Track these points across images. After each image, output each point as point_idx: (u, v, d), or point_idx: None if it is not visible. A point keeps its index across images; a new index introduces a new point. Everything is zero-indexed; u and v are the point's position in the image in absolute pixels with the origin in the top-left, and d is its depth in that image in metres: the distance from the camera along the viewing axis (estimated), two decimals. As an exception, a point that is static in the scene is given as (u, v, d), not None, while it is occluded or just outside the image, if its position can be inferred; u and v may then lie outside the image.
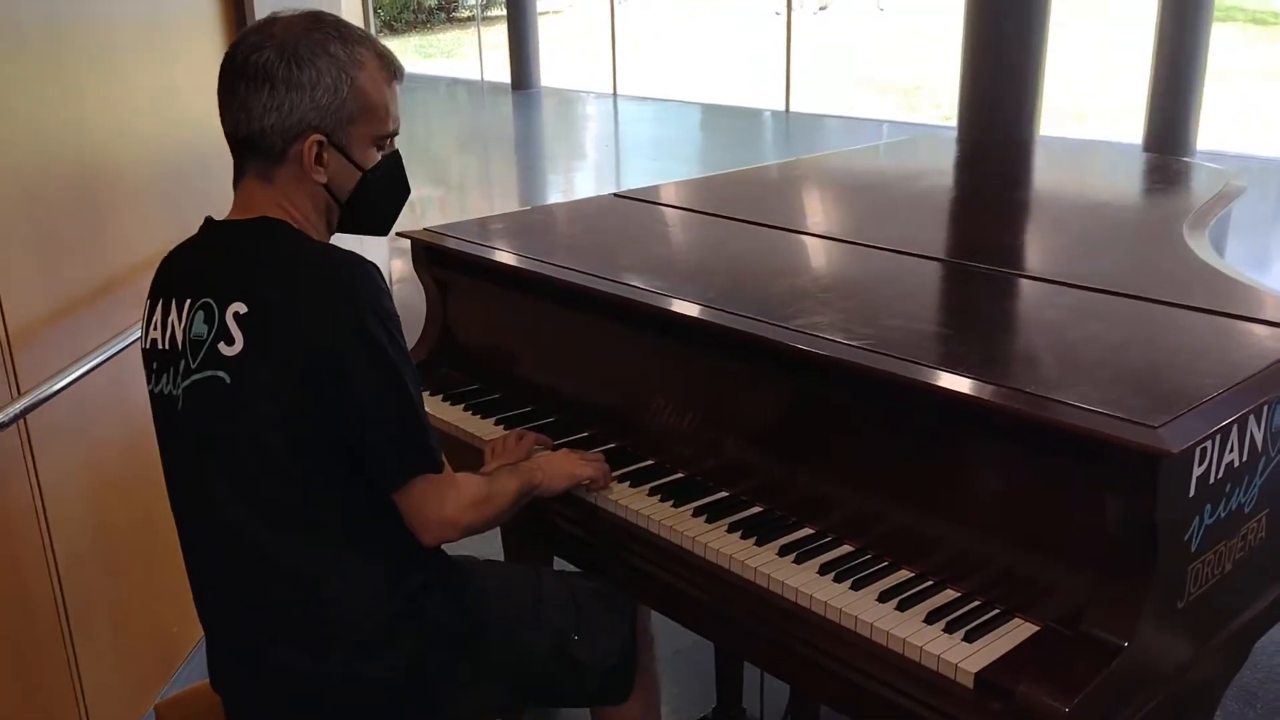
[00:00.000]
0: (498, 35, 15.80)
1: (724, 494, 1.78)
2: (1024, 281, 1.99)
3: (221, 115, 1.43)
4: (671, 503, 1.76)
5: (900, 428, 1.60)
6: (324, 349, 1.34)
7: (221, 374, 1.37)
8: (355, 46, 1.42)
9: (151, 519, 2.36)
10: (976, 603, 1.48)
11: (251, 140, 1.40)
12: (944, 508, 1.55)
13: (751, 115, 12.08)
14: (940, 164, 3.37)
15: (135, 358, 2.13)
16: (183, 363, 1.40)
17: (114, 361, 2.15)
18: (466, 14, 22.05)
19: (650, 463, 1.89)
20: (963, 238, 2.41)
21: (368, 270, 1.39)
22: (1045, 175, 3.18)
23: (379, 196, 1.52)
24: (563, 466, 1.73)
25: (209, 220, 1.48)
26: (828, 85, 13.39)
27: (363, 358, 1.36)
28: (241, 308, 1.36)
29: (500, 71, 14.72)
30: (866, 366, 1.58)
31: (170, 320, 1.42)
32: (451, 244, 2.24)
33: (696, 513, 1.73)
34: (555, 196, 8.55)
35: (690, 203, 2.60)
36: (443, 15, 21.99)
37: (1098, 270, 1.97)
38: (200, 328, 1.39)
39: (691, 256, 2.28)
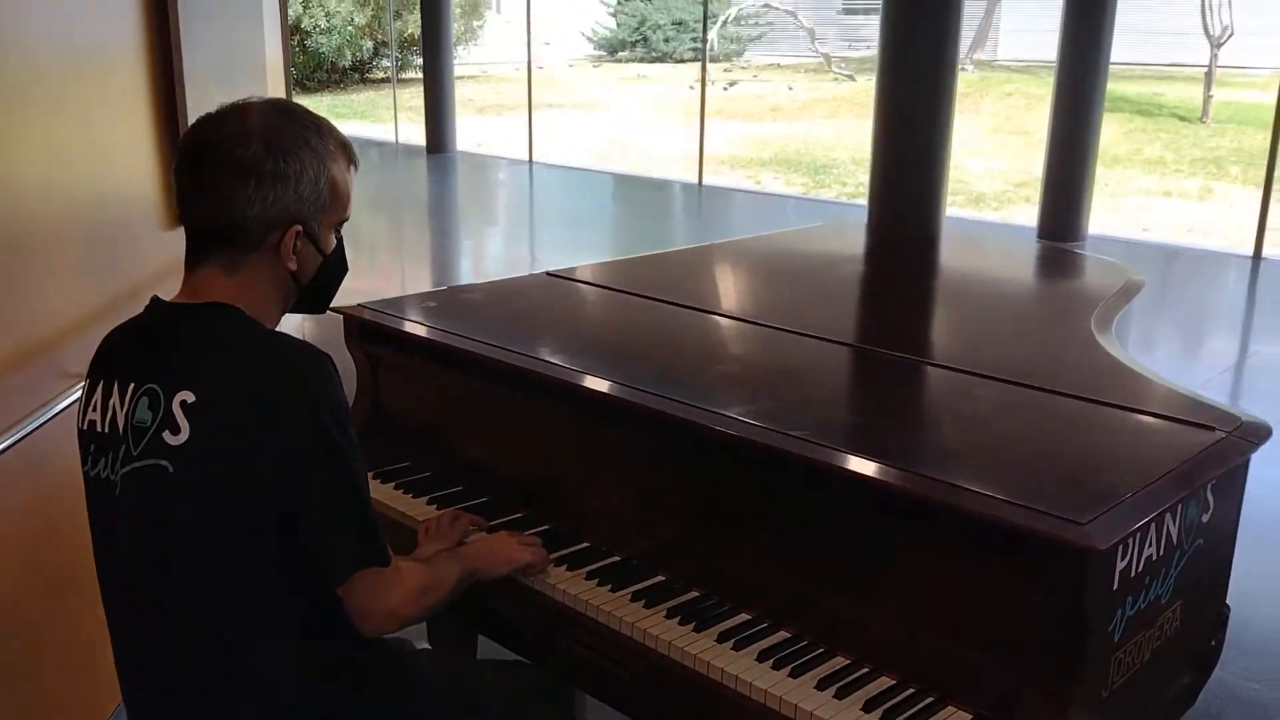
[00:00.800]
0: (413, 97, 15.85)
1: (661, 578, 1.79)
2: (946, 373, 2.06)
3: (189, 204, 1.43)
4: (610, 587, 1.77)
5: (835, 517, 1.64)
6: (274, 442, 1.33)
7: (164, 463, 1.35)
8: (327, 138, 1.45)
9: (62, 595, 2.27)
10: (911, 690, 1.51)
11: (228, 229, 1.40)
12: (878, 596, 1.59)
13: (666, 187, 12.30)
14: (862, 249, 3.49)
15: (53, 431, 2.07)
16: (123, 448, 1.38)
17: (31, 434, 2.08)
18: (381, 75, 22.07)
19: (586, 545, 1.89)
20: (888, 326, 2.49)
21: (321, 361, 1.39)
22: (960, 264, 3.32)
23: (330, 278, 1.53)
24: (502, 552, 1.73)
25: (156, 301, 1.47)
26: (740, 160, 13.72)
27: (313, 451, 1.35)
28: (189, 396, 1.35)
29: (415, 134, 14.74)
30: (803, 456, 1.63)
31: (111, 403, 1.40)
32: (385, 320, 2.23)
33: (635, 597, 1.74)
34: (468, 262, 8.56)
35: (623, 284, 2.64)
36: (356, 76, 21.96)
37: (1016, 363, 2.07)
38: (144, 414, 1.37)
39: (626, 339, 2.31)
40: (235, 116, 1.44)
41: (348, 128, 17.39)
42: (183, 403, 1.34)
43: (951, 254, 3.54)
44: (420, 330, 2.21)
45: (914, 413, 1.93)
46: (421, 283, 7.62)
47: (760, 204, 11.27)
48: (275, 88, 4.49)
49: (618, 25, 30.76)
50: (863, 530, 1.61)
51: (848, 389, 2.04)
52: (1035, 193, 10.40)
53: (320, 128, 1.46)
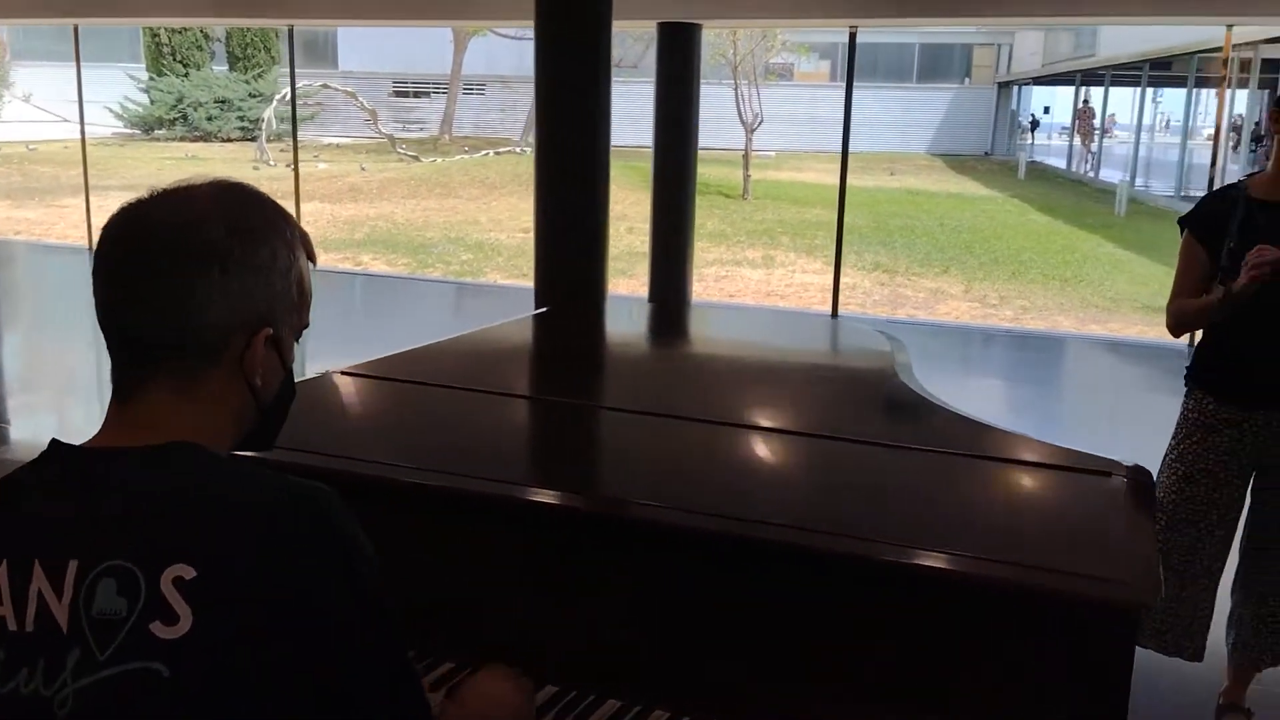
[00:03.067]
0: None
1: (616, 703, 1.60)
2: (846, 445, 2.04)
3: (127, 309, 1.06)
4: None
5: (833, 607, 1.56)
6: (312, 616, 1.01)
7: (157, 665, 0.97)
8: (293, 225, 1.16)
9: None
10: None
11: (183, 337, 1.06)
12: (902, 689, 1.53)
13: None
14: (644, 330, 3.46)
15: None
16: (75, 653, 0.97)
17: None
18: None
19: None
20: (752, 404, 2.43)
21: (337, 502, 1.09)
22: (741, 340, 3.39)
23: (286, 400, 1.21)
24: (501, 698, 1.45)
25: (64, 447, 1.07)
26: (332, 242, 13.22)
27: (359, 622, 1.04)
28: (187, 572, 0.98)
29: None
30: (799, 545, 1.54)
31: (34, 591, 0.98)
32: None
33: (621, 734, 1.55)
34: (11, 358, 7.52)
35: (429, 376, 2.39)
36: None
37: (890, 428, 2.13)
38: (112, 602, 0.98)
39: (486, 434, 2.09)
40: (181, 197, 1.10)
41: None
42: (177, 580, 0.98)
43: (721, 330, 3.63)
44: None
45: (858, 487, 1.89)
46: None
47: (369, 285, 10.89)
48: None
49: (152, 102, 28.63)
50: (865, 614, 1.55)
51: (766, 472, 1.98)
52: (629, 265, 11.11)
53: (284, 212, 1.18)
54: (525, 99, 31.33)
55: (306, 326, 1.21)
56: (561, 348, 3.05)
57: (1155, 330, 9.36)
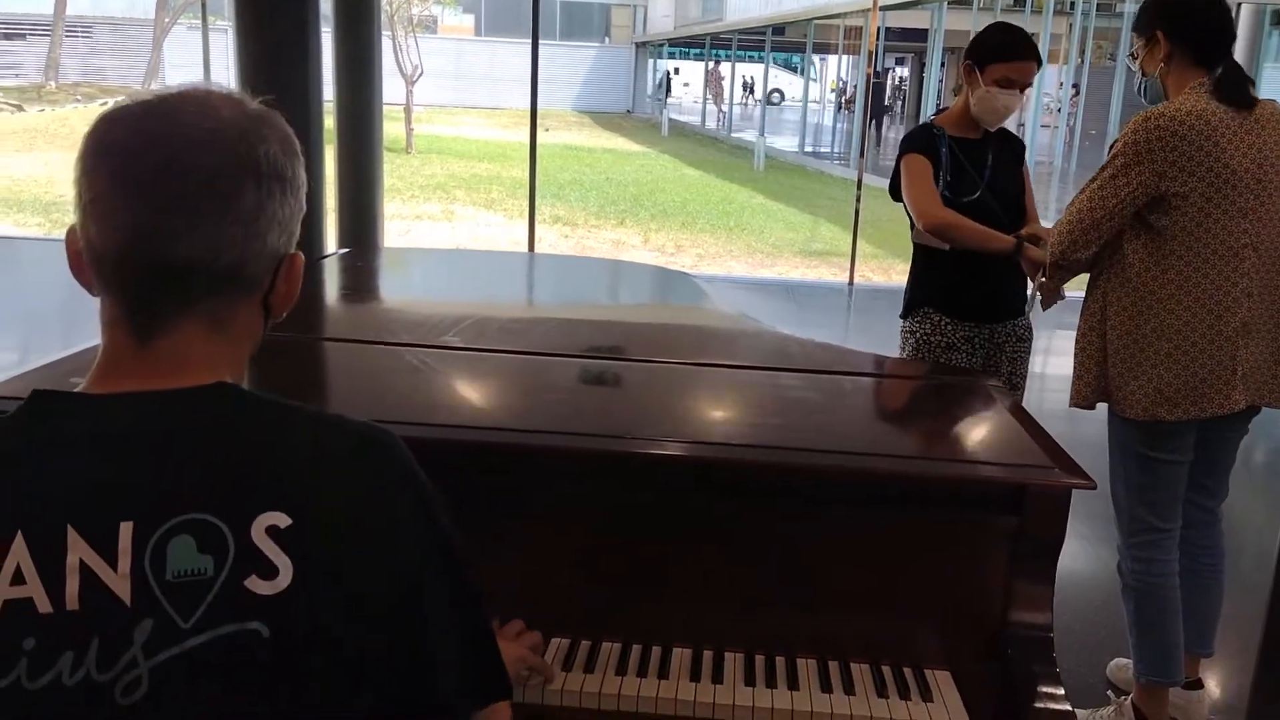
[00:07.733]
0: None
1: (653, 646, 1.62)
2: (748, 373, 2.13)
3: (173, 236, 0.92)
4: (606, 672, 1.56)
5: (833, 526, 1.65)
6: (394, 560, 0.94)
7: (255, 625, 0.86)
8: None
9: None
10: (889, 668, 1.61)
11: (241, 267, 0.95)
12: (849, 591, 1.65)
13: None
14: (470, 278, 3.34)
15: None
16: (145, 626, 0.85)
17: None
18: None
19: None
20: (655, 341, 2.45)
21: (404, 444, 1.02)
22: (553, 288, 3.37)
23: None
24: (511, 653, 1.40)
25: (68, 397, 0.92)
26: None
27: (443, 570, 0.99)
28: (281, 519, 0.88)
29: None
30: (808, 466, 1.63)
31: (74, 563, 0.85)
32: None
33: (641, 674, 1.57)
34: None
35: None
36: None
37: (761, 353, 2.25)
38: (195, 560, 0.86)
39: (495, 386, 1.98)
40: (203, 104, 0.95)
41: None
42: (271, 529, 0.88)
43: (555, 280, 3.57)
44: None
45: (790, 407, 1.95)
46: None
47: (9, 249, 9.51)
48: None
49: None
50: (844, 525, 1.64)
51: (712, 398, 2.00)
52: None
53: None
54: (139, 42, 28.41)
55: None
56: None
57: (816, 272, 10.29)
